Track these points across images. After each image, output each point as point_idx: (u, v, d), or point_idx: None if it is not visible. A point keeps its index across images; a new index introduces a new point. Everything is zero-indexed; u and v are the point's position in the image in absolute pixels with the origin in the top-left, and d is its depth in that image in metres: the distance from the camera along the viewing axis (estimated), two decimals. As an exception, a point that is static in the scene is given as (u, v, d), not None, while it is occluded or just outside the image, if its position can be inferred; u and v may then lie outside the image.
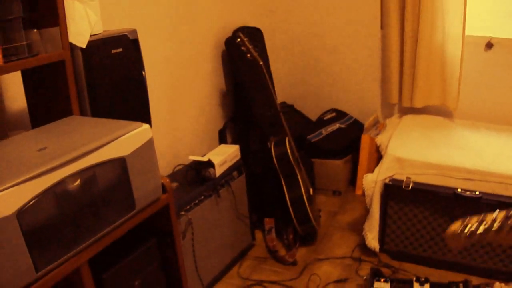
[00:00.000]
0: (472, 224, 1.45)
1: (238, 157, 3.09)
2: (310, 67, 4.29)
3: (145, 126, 1.72)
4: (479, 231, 1.43)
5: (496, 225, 1.42)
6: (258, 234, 3.50)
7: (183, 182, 2.81)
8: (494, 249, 2.92)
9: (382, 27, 3.92)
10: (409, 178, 2.95)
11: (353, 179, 4.10)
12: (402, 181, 2.96)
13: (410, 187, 2.91)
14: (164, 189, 1.89)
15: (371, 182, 3.06)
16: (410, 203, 2.98)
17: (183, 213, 2.59)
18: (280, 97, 4.28)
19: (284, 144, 3.12)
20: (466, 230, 1.44)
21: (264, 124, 3.50)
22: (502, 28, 3.71)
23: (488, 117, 3.80)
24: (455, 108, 3.76)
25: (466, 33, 3.56)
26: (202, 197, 2.77)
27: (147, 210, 1.79)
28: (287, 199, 3.16)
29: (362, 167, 3.86)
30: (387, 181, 3.00)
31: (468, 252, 2.99)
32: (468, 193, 2.83)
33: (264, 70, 3.14)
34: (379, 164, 3.12)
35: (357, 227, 3.52)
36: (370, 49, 4.04)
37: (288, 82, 4.41)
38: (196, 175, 2.87)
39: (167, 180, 1.91)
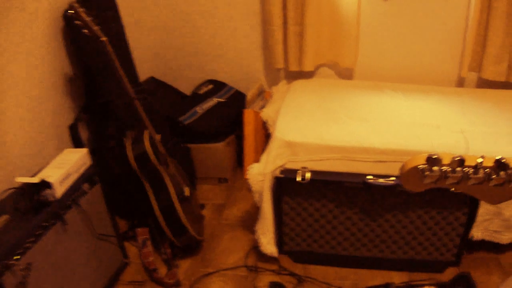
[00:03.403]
0: (444, 165, 1.02)
1: (88, 164, 2.33)
2: (181, 34, 3.54)
3: None
4: (453, 179, 1.02)
5: (480, 175, 1.01)
6: (133, 248, 2.79)
7: (15, 214, 2.01)
8: (416, 237, 2.45)
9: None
10: (305, 168, 2.33)
11: (240, 162, 3.46)
12: (296, 171, 2.34)
13: (307, 180, 2.30)
14: None
15: (258, 175, 2.42)
16: (310, 196, 2.38)
17: (14, 260, 1.82)
18: (147, 72, 3.54)
19: (142, 141, 2.41)
20: (434, 169, 1.01)
21: (119, 115, 2.77)
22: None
23: (390, 76, 3.30)
24: (353, 65, 3.20)
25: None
26: (41, 230, 2.00)
27: None
28: (155, 209, 2.48)
29: (249, 148, 3.21)
30: (277, 173, 2.36)
31: (386, 245, 2.48)
32: (381, 180, 2.26)
33: (109, 48, 2.39)
34: (266, 151, 2.48)
35: (249, 223, 2.89)
36: (248, 7, 3.35)
37: (156, 53, 3.64)
38: (30, 201, 2.09)
39: None
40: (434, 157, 1.00)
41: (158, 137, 2.58)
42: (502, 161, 0.99)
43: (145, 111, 2.54)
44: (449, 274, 2.50)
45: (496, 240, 2.53)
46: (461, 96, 3.01)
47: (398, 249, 2.49)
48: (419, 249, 2.48)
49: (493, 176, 0.99)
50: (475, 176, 1.00)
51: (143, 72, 3.40)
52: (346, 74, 3.40)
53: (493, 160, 1.00)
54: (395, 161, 2.32)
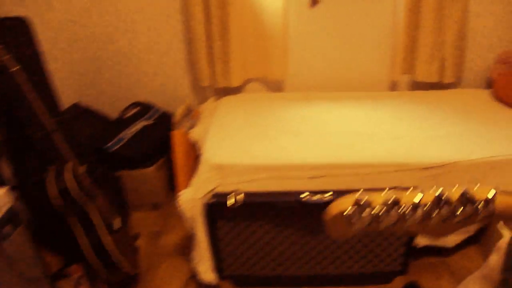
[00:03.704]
0: (375, 207, 0.85)
1: (10, 203, 2.16)
2: (105, 57, 3.38)
3: None
4: (387, 221, 0.85)
5: (419, 214, 0.85)
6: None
7: None
8: (359, 251, 2.38)
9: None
10: (237, 190, 2.22)
11: (174, 185, 3.32)
12: (228, 194, 2.23)
13: (240, 203, 2.19)
14: None
15: (189, 201, 2.29)
16: (245, 219, 2.27)
17: None
18: (71, 99, 3.37)
19: (64, 175, 2.26)
20: (363, 216, 0.84)
21: (40, 148, 2.60)
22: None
23: (322, 85, 3.25)
24: (283, 77, 3.13)
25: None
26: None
27: None
28: (85, 246, 2.33)
29: (180, 172, 3.08)
30: (209, 198, 2.24)
31: (329, 261, 2.40)
32: (317, 197, 2.17)
33: (22, 78, 2.23)
34: (196, 175, 2.36)
35: (188, 249, 2.77)
36: (171, 24, 3.21)
37: (80, 79, 3.47)
38: None
39: None
40: (362, 202, 0.86)
41: (82, 168, 2.43)
42: (443, 197, 0.88)
43: (68, 141, 2.39)
44: (397, 283, 2.46)
45: (441, 244, 2.51)
46: (395, 100, 2.97)
47: (342, 264, 2.41)
48: (364, 262, 2.40)
49: (434, 214, 0.87)
50: (413, 216, 0.86)
51: (67, 99, 3.25)
52: (276, 86, 3.32)
53: (432, 196, 0.88)
54: (330, 176, 2.23)
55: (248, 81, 3.30)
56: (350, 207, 0.86)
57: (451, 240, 2.51)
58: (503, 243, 1.52)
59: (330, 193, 2.17)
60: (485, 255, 2.62)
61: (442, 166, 2.28)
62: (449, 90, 3.25)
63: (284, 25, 3.04)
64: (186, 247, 2.83)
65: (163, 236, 2.99)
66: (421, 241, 2.44)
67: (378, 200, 0.86)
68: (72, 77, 3.44)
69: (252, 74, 3.21)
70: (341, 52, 3.23)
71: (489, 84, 3.38)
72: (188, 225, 2.35)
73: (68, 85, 3.39)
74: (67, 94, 3.30)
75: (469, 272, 2.50)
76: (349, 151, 2.33)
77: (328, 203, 2.15)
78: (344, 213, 0.86)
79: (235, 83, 3.12)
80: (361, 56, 3.26)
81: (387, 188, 0.89)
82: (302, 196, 2.17)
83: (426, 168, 2.27)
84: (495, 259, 1.53)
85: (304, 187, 2.23)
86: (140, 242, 2.92)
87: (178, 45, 3.28)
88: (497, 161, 2.34)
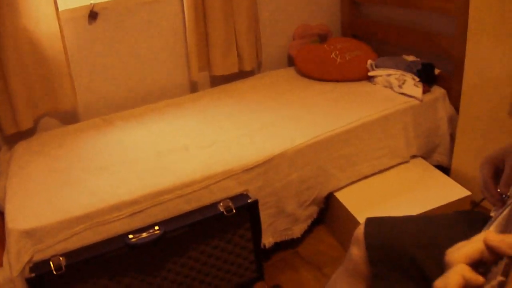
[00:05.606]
0: None
1: None
2: None
3: None
4: None
5: None
6: None
7: None
8: (209, 273, 2.26)
9: None
10: (56, 255, 1.94)
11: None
12: (48, 261, 1.93)
13: (64, 268, 1.90)
14: None
15: (7, 283, 1.96)
16: (76, 280, 2.00)
17: None
18: None
19: None
20: None
21: None
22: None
23: (121, 104, 3.00)
24: (74, 106, 2.84)
25: (61, 7, 2.66)
26: None
27: None
28: None
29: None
30: (27, 272, 1.93)
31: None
32: (144, 234, 1.96)
33: None
34: (6, 249, 2.03)
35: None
36: None
37: None
38: None
39: None
40: None
41: None
42: None
43: None
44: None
45: (289, 237, 2.45)
46: (199, 102, 2.86)
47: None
48: (217, 281, 2.26)
49: None
50: None
51: None
52: (71, 117, 2.99)
53: None
54: (152, 206, 2.03)
55: (39, 118, 2.93)
56: None
57: (298, 229, 2.44)
58: (359, 234, 1.42)
59: (157, 227, 1.97)
60: (333, 232, 2.60)
61: (268, 161, 2.18)
62: (252, 77, 3.18)
63: (63, 48, 2.72)
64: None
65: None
66: (268, 240, 2.34)
67: None
68: None
69: (43, 110, 2.84)
70: (134, 65, 3.00)
71: (291, 61, 3.35)
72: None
73: None
74: None
75: (323, 254, 2.47)
76: (165, 173, 2.15)
77: (158, 239, 1.95)
78: None
79: (26, 125, 2.73)
80: (155, 63, 3.06)
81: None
82: (129, 237, 1.94)
83: (252, 168, 2.15)
84: (356, 253, 1.43)
85: (128, 226, 2.01)
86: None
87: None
88: (321, 141, 2.31)
